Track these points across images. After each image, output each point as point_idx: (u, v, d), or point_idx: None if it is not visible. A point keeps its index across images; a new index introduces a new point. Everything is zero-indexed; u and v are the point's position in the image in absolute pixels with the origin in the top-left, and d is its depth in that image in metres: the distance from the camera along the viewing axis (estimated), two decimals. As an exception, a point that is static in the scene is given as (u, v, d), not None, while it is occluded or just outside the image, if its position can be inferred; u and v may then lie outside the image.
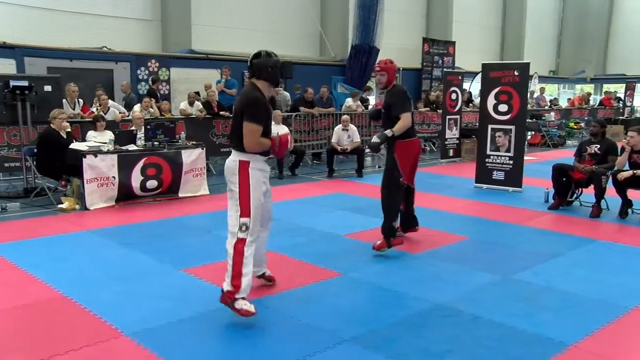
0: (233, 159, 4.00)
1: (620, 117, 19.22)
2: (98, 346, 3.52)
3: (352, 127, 10.78)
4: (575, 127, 17.91)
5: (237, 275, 3.87)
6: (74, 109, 9.49)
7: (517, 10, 24.83)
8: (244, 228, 3.89)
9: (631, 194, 7.15)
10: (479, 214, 7.43)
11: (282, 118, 10.77)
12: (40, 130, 8.23)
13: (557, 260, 5.38)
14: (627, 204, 7.17)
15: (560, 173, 7.59)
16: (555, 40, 28.69)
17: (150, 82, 12.51)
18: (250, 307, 3.86)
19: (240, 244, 3.88)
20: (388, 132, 5.39)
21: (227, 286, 3.89)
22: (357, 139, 10.65)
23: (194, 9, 14.40)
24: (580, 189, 7.76)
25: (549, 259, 5.42)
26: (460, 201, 8.24)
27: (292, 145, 4.15)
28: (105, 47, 12.94)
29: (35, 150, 7.90)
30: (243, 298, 3.89)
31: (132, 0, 13.87)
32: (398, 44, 19.10)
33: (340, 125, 10.68)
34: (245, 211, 3.90)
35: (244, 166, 3.93)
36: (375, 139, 5.49)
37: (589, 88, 27.50)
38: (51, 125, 7.90)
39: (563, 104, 22.06)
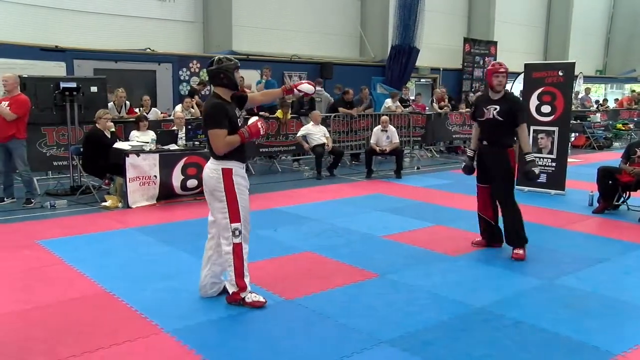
0: (214, 168, 4.10)
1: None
2: (139, 342, 3.59)
3: (391, 128, 10.71)
4: (623, 128, 17.32)
5: (240, 276, 4.10)
6: (119, 112, 9.73)
7: (563, 8, 24.16)
8: (237, 233, 4.08)
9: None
10: (520, 217, 7.25)
11: (321, 118, 10.80)
12: (86, 130, 8.47)
13: (603, 266, 5.21)
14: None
15: (606, 176, 7.34)
16: (603, 39, 27.79)
17: (196, 84, 12.74)
18: (260, 298, 4.17)
19: (237, 247, 4.07)
20: (531, 157, 5.35)
21: (232, 288, 4.13)
22: (396, 139, 10.57)
23: (235, 10, 14.57)
24: (628, 193, 7.50)
25: (595, 264, 5.25)
26: (501, 204, 8.07)
27: (264, 130, 4.19)
28: (149, 48, 13.22)
29: (81, 149, 8.14)
30: (250, 292, 4.15)
31: (175, 3, 14.14)
32: (439, 44, 18.88)
33: (379, 126, 10.62)
34: (235, 217, 4.07)
35: (227, 174, 4.06)
36: (535, 169, 5.36)
37: (639, 87, 26.54)
38: (96, 125, 8.13)
39: (611, 104, 21.37)
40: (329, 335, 3.72)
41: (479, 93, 15.48)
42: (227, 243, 4.08)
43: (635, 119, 18.66)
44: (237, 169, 4.13)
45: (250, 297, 4.13)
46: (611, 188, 7.38)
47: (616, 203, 7.46)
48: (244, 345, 3.61)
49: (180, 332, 3.73)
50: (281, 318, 3.99)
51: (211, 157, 4.18)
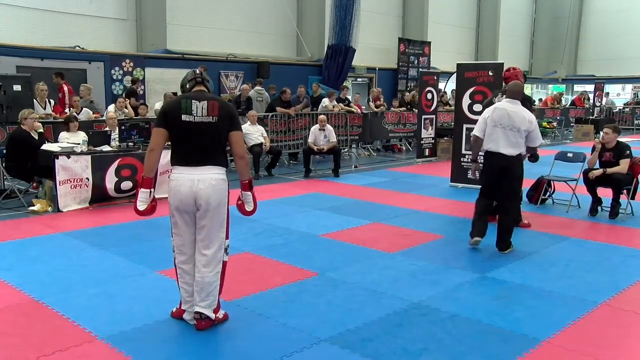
0: (223, 178, 3.65)
1: (590, 117, 19.63)
2: (71, 351, 3.45)
3: (329, 127, 10.79)
4: (548, 126, 18.20)
5: (220, 294, 3.81)
6: (44, 109, 9.31)
7: (492, 11, 25.13)
8: (227, 250, 3.84)
9: (601, 192, 7.30)
10: (454, 213, 7.50)
11: (256, 118, 10.73)
12: (10, 131, 8.06)
13: (531, 258, 5.47)
14: (597, 201, 7.31)
15: None
16: (528, 41, 29.12)
17: (129, 82, 12.35)
18: (223, 311, 3.92)
19: (225, 265, 3.82)
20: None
21: (210, 311, 3.73)
22: (334, 139, 10.66)
23: (169, 8, 14.24)
24: (553, 187, 7.90)
25: (524, 256, 5.50)
26: (435, 200, 8.31)
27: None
28: (79, 46, 12.72)
29: (5, 151, 7.73)
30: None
31: (105, -1, 13.67)
32: (374, 44, 19.19)
33: (317, 125, 10.68)
34: (228, 232, 3.80)
35: (227, 185, 3.71)
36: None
37: (560, 88, 27.99)
38: (21, 126, 7.74)
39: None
40: (269, 335, 3.71)
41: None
42: (218, 262, 3.72)
43: (558, 118, 19.66)
44: None
45: (220, 312, 3.87)
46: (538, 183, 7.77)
47: (543, 197, 7.84)
48: (182, 348, 3.54)
49: (115, 338, 3.61)
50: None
51: (213, 165, 3.64)
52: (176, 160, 3.65)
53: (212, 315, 3.75)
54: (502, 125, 5.48)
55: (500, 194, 5.63)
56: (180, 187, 3.57)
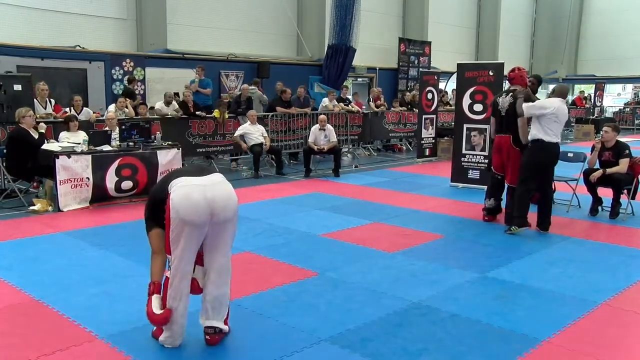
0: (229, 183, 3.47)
1: (591, 117, 19.64)
2: (71, 350, 3.45)
3: (329, 126, 10.79)
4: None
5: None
6: (45, 108, 9.31)
7: (492, 11, 25.12)
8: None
9: (601, 192, 7.30)
10: (454, 213, 7.50)
11: (256, 118, 10.74)
12: (10, 130, 8.06)
13: (532, 257, 5.46)
14: (597, 201, 7.31)
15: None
16: (528, 41, 29.11)
17: (126, 82, 12.35)
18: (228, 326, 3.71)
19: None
20: None
21: (224, 325, 3.57)
22: (334, 138, 10.66)
23: (169, 8, 14.23)
24: (553, 187, 7.88)
25: (524, 256, 5.50)
26: (436, 200, 8.31)
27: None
28: (79, 46, 12.72)
29: (5, 150, 7.74)
30: None
31: (105, -2, 13.65)
32: (374, 43, 19.18)
33: (317, 125, 10.68)
34: None
35: None
36: None
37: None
38: (20, 124, 7.73)
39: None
40: (270, 335, 3.71)
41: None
42: (229, 271, 3.53)
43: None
44: None
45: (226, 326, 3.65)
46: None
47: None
48: (182, 348, 3.53)
49: (115, 337, 3.62)
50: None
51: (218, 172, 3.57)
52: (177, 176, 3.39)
53: (225, 328, 3.58)
54: (560, 121, 6.32)
55: (547, 180, 6.45)
56: (194, 195, 3.24)
